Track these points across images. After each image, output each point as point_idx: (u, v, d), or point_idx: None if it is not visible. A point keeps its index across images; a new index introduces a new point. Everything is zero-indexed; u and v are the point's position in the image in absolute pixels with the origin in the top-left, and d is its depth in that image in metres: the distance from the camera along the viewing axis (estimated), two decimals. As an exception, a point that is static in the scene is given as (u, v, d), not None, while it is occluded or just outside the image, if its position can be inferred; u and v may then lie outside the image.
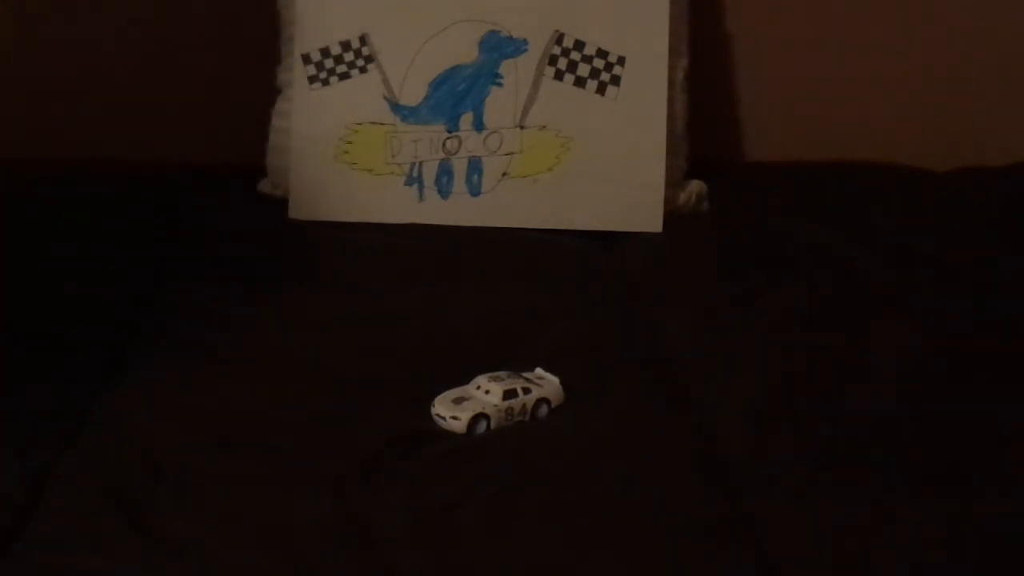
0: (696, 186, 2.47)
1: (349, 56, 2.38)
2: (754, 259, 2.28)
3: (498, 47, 2.39)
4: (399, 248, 2.29)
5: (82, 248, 2.20)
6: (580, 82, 2.39)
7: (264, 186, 2.48)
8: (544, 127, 2.39)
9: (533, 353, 1.93)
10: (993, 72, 2.70)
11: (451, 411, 1.77)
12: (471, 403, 1.78)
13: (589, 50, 2.38)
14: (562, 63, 2.39)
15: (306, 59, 2.39)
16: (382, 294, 2.14)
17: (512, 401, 1.80)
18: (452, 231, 2.35)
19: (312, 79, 2.38)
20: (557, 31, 2.39)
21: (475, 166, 2.38)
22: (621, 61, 2.38)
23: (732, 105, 2.71)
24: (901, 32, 2.68)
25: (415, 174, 2.38)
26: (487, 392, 1.80)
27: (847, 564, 1.54)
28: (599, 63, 2.38)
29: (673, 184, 2.42)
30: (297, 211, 2.38)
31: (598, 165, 2.38)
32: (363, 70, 2.38)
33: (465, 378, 1.83)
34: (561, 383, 1.85)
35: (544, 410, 1.82)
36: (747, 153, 2.73)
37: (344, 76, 2.38)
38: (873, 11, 2.68)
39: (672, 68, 2.41)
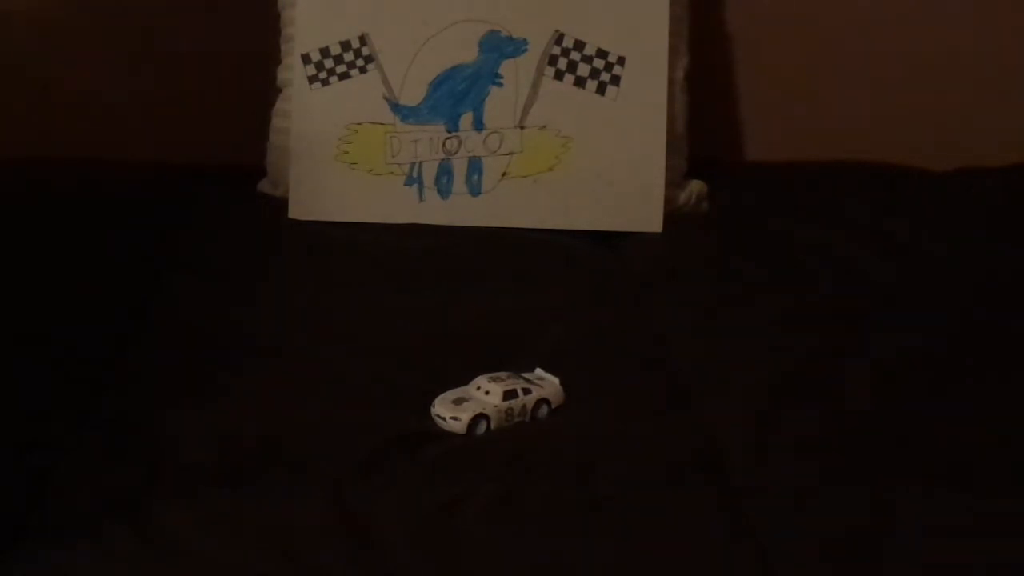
0: (696, 186, 2.47)
1: (349, 56, 2.38)
2: (754, 259, 2.28)
3: (498, 47, 2.38)
4: (399, 248, 2.28)
5: (82, 248, 2.20)
6: (580, 82, 2.39)
7: (264, 186, 2.48)
8: (544, 127, 2.39)
9: (533, 353, 1.93)
10: (993, 72, 2.70)
11: (451, 411, 1.77)
12: (471, 404, 1.78)
13: (589, 50, 2.38)
14: (562, 63, 2.39)
15: (306, 59, 2.39)
16: (382, 294, 2.14)
17: (512, 402, 1.79)
18: (452, 231, 2.35)
19: (312, 79, 2.38)
20: (557, 31, 2.39)
21: (475, 166, 2.38)
22: (621, 61, 2.38)
23: (732, 105, 2.71)
24: (901, 32, 2.68)
25: (415, 174, 2.38)
26: (487, 393, 1.80)
27: (847, 564, 1.54)
28: (599, 63, 2.38)
29: (673, 184, 2.42)
30: (297, 211, 2.38)
31: (598, 165, 2.38)
32: (363, 70, 2.38)
33: (465, 378, 1.83)
34: (561, 383, 1.85)
35: (544, 410, 1.82)
36: (747, 153, 2.73)
37: (344, 76, 2.38)
38: (873, 11, 2.68)
39: (672, 68, 2.41)
